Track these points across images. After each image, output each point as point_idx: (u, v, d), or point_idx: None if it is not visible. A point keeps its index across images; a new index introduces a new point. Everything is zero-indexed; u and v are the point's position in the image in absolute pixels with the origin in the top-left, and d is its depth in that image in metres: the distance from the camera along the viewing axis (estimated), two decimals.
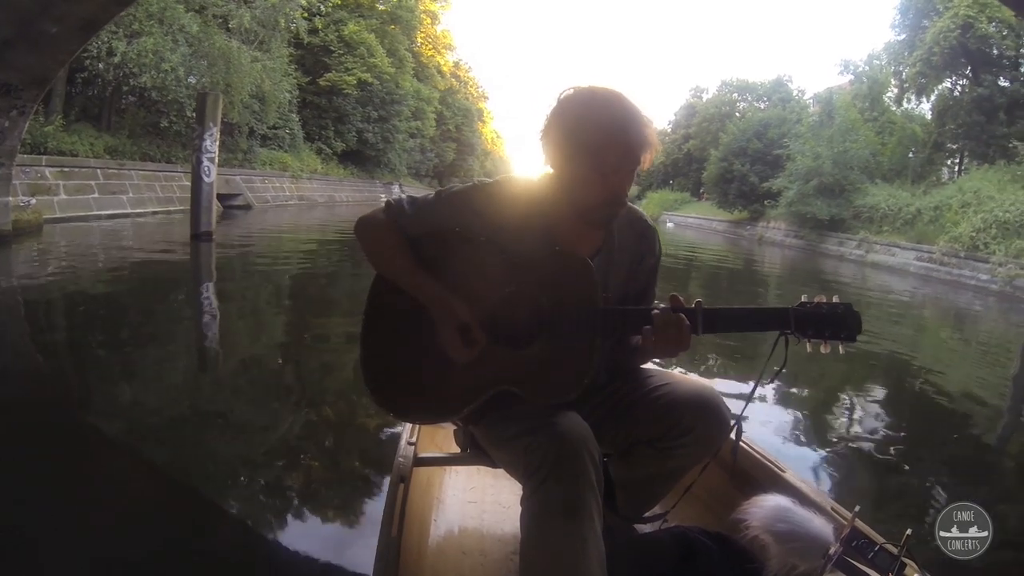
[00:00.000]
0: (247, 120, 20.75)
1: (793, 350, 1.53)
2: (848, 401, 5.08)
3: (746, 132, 38.01)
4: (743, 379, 5.02)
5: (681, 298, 1.52)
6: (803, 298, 1.52)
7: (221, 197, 15.38)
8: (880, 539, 1.50)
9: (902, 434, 4.49)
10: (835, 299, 1.51)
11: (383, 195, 35.77)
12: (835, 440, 4.18)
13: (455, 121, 53.96)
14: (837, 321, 1.48)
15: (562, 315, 1.55)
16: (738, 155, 37.21)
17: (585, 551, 1.38)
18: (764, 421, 4.11)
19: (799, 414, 4.47)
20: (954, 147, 28.25)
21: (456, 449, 2.01)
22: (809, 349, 1.51)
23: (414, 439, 2.15)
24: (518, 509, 1.48)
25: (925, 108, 30.39)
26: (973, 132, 26.03)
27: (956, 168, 28.01)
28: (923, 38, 27.70)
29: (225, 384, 4.59)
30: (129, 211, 14.36)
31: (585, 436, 1.48)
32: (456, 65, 60.20)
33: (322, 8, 28.41)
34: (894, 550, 1.46)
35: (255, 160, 22.77)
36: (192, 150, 11.62)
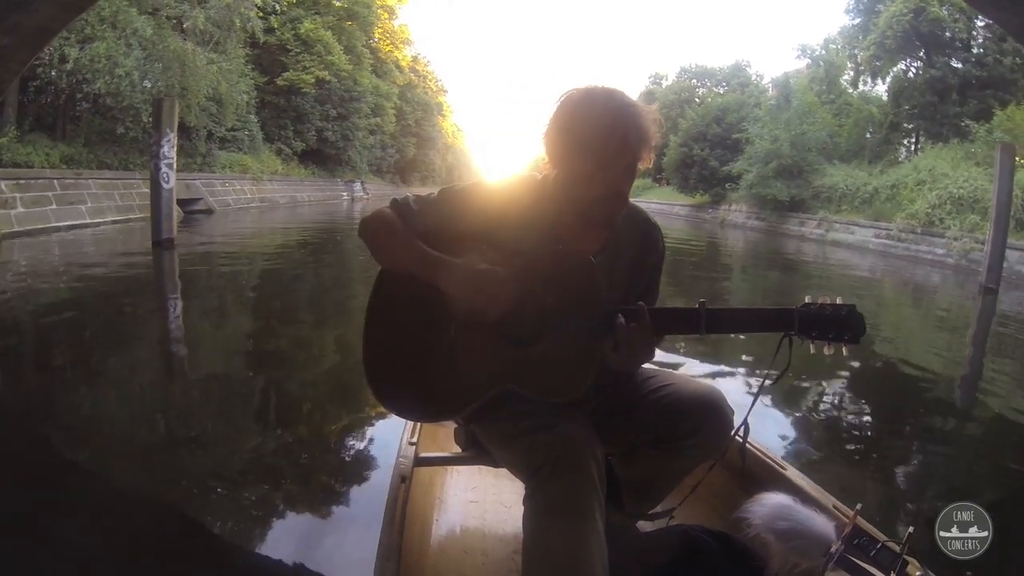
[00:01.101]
0: (205, 123, 20.37)
1: (796, 351, 1.53)
2: (849, 399, 5.05)
3: (705, 117, 38.41)
4: (747, 379, 5.01)
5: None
6: (807, 299, 1.52)
7: (181, 202, 15.17)
8: (882, 537, 1.51)
9: (904, 431, 4.48)
10: (839, 300, 1.51)
11: (345, 193, 35.62)
12: (837, 438, 4.18)
13: (415, 116, 53.73)
14: (841, 322, 1.48)
15: (566, 314, 1.54)
16: (698, 140, 37.62)
17: (588, 550, 1.38)
18: (765, 419, 4.07)
19: (800, 412, 4.46)
20: (910, 127, 29.01)
21: (457, 448, 2.01)
22: (813, 350, 1.51)
23: (415, 438, 2.14)
24: (520, 508, 1.47)
25: (881, 90, 31.12)
26: (927, 112, 26.89)
27: (912, 147, 28.64)
28: (877, 22, 28.63)
29: (218, 391, 4.52)
30: (88, 221, 14.07)
31: (588, 435, 1.50)
32: (414, 60, 59.82)
33: (277, 7, 27.92)
34: (896, 548, 1.46)
35: (214, 163, 22.38)
36: (150, 156, 11.41)
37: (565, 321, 1.54)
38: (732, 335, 5.08)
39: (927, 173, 21.40)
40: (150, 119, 12.63)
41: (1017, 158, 16.88)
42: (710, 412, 1.62)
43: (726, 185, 34.07)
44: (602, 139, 1.48)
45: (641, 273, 1.74)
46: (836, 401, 4.92)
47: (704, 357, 5.56)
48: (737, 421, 1.68)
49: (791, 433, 4.01)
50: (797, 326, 1.50)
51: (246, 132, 26.06)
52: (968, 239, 16.96)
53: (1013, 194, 14.62)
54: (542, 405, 1.56)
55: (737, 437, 1.69)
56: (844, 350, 1.49)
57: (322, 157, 34.73)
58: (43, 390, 4.41)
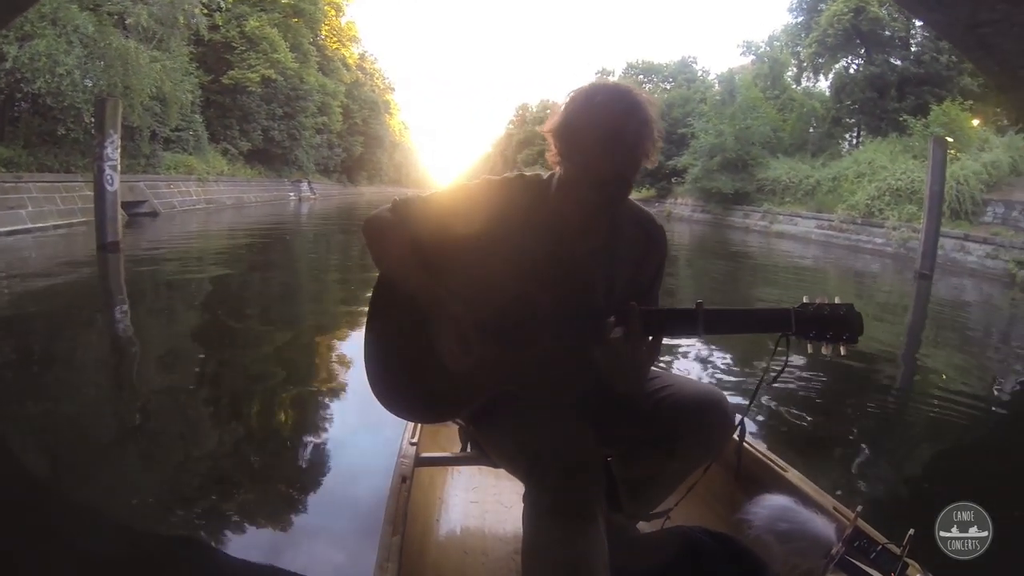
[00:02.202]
0: (148, 123, 19.80)
1: (795, 351, 1.53)
2: (850, 399, 5.03)
3: None
4: (745, 380, 5.01)
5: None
6: (804, 299, 1.51)
7: (125, 205, 14.79)
8: (882, 539, 1.52)
9: (906, 430, 4.47)
10: (836, 300, 1.50)
11: (292, 194, 35.04)
12: (837, 439, 4.19)
13: (362, 114, 53.21)
14: (839, 322, 1.47)
15: (563, 314, 1.55)
16: None
17: (587, 550, 1.39)
18: (766, 420, 4.12)
19: (801, 412, 4.45)
20: (851, 122, 30.05)
21: (458, 449, 2.05)
22: (810, 350, 1.51)
23: (416, 439, 2.14)
24: (520, 508, 1.47)
25: (824, 85, 32.15)
26: (867, 107, 28.00)
27: (854, 141, 29.62)
28: (819, 20, 29.75)
29: (186, 397, 4.44)
30: (30, 226, 13.65)
31: (587, 436, 1.49)
32: (362, 57, 59.34)
33: (222, 3, 27.38)
34: (896, 550, 1.48)
35: (159, 165, 21.81)
36: (93, 158, 11.17)
37: (562, 322, 1.55)
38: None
39: (867, 166, 22.31)
40: (92, 120, 12.35)
41: (952, 151, 17.73)
42: (710, 413, 1.62)
43: (672, 179, 34.58)
44: (609, 121, 1.49)
45: (643, 274, 1.73)
46: (838, 402, 4.92)
47: (703, 357, 5.59)
48: (736, 421, 1.69)
49: (792, 434, 4.02)
50: (794, 326, 1.49)
51: (191, 132, 25.49)
52: (906, 228, 17.67)
53: (947, 185, 15.38)
54: (541, 405, 1.57)
55: (735, 437, 1.71)
56: (842, 350, 1.48)
57: (268, 157, 34.17)
58: None
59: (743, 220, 27.60)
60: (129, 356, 5.49)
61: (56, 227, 14.34)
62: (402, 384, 1.69)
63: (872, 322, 8.08)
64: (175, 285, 9.08)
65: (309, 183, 38.19)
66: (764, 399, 4.32)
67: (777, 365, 1.54)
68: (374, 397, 1.70)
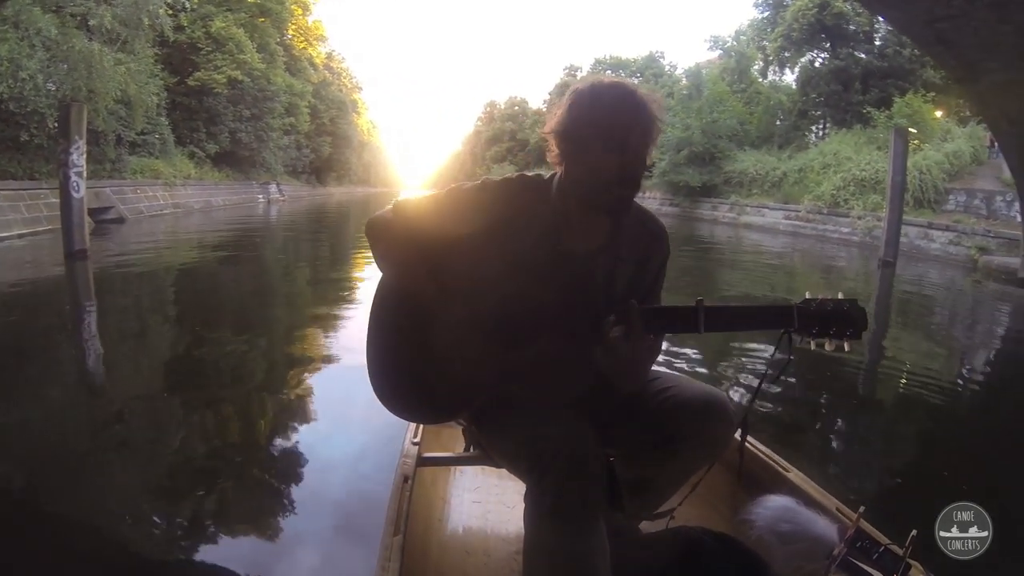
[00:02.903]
0: (113, 127, 19.48)
1: (797, 348, 1.50)
2: (852, 399, 5.02)
3: None
4: (747, 378, 4.99)
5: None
6: (807, 295, 1.48)
7: (92, 211, 14.54)
8: (885, 540, 1.52)
9: (907, 430, 4.43)
10: (840, 296, 1.48)
11: (260, 196, 34.65)
12: (840, 438, 4.21)
13: (329, 114, 52.87)
14: (842, 318, 1.45)
15: (564, 313, 1.54)
16: None
17: (589, 550, 1.39)
18: (768, 420, 4.03)
19: (803, 412, 4.45)
20: (817, 114, 30.66)
21: (460, 449, 2.05)
22: (813, 347, 1.48)
23: (418, 439, 2.14)
24: (522, 509, 1.47)
25: (790, 79, 32.83)
26: (832, 100, 28.72)
27: (820, 133, 30.22)
28: (784, 15, 30.32)
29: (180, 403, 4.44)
30: None
31: (589, 436, 1.48)
32: (329, 56, 58.87)
33: (187, 3, 26.81)
34: (899, 551, 1.47)
35: (125, 169, 21.44)
36: (58, 165, 10.95)
37: (563, 321, 1.55)
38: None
39: (832, 157, 22.83)
40: (56, 125, 12.16)
41: (915, 142, 18.19)
42: (712, 414, 1.61)
43: None
44: (614, 120, 1.49)
45: (645, 274, 1.71)
46: (840, 402, 4.91)
47: (704, 355, 5.59)
48: (738, 422, 1.69)
49: (795, 434, 3.99)
50: (797, 323, 1.46)
51: (157, 135, 25.07)
52: (871, 218, 18.10)
53: (910, 175, 15.83)
54: (543, 405, 1.57)
55: (737, 437, 1.71)
56: (846, 346, 1.45)
57: (236, 159, 33.72)
58: None
59: (711, 212, 27.98)
60: (101, 365, 5.43)
61: (21, 236, 14.09)
62: (404, 384, 1.68)
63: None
64: (146, 292, 8.98)
65: (278, 185, 37.84)
66: (766, 399, 4.32)
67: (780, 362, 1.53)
68: (376, 397, 1.70)
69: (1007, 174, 12.91)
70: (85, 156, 10.95)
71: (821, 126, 30.95)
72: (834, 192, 21.06)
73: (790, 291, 10.63)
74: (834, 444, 4.07)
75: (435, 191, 1.73)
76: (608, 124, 1.49)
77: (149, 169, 23.63)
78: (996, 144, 15.34)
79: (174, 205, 24.14)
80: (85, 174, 10.89)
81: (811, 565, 1.53)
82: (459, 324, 1.61)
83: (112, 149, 20.33)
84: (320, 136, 51.10)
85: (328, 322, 6.72)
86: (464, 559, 1.97)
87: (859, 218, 19.28)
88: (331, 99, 53.71)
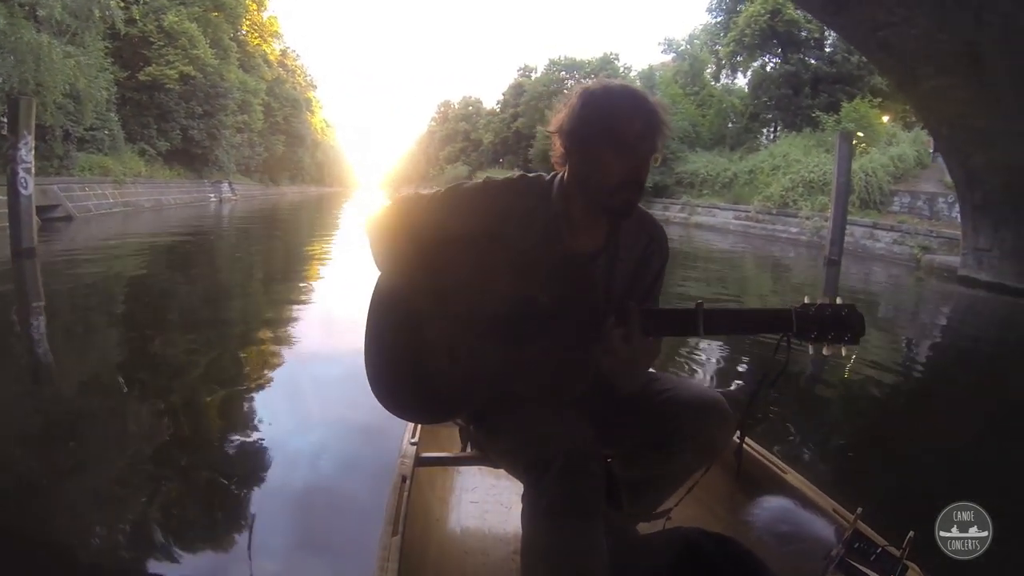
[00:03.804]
0: (61, 122, 18.95)
1: (796, 352, 1.51)
2: (851, 400, 5.04)
3: None
4: (745, 380, 5.00)
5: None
6: (805, 299, 1.49)
7: (38, 209, 13.95)
8: (882, 541, 1.53)
9: (905, 430, 4.44)
10: (838, 300, 1.49)
11: (212, 195, 33.80)
12: (838, 440, 4.22)
13: (283, 112, 52.06)
14: (840, 323, 1.46)
15: (563, 314, 1.54)
16: None
17: (586, 551, 1.40)
18: (766, 422, 4.03)
19: (801, 413, 4.44)
20: (768, 117, 31.44)
21: (458, 449, 2.05)
22: (811, 352, 1.49)
23: (416, 439, 2.13)
24: (520, 509, 1.48)
25: (743, 83, 33.58)
26: (783, 104, 29.63)
27: (772, 136, 31.01)
28: (737, 21, 31.07)
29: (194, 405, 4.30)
30: None
31: (586, 436, 1.48)
32: (283, 53, 58.07)
33: None
34: (896, 552, 1.48)
35: (73, 166, 20.79)
36: (5, 161, 10.69)
37: (562, 322, 1.54)
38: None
39: (782, 159, 23.55)
40: (2, 119, 11.86)
41: (862, 145, 18.85)
42: (709, 415, 1.61)
43: None
44: (626, 122, 1.50)
45: (644, 276, 1.71)
46: (838, 403, 4.94)
47: (702, 358, 5.66)
48: (736, 424, 1.70)
49: (792, 436, 3.99)
50: (795, 327, 1.47)
51: (106, 132, 24.40)
52: (818, 218, 18.72)
53: (857, 177, 16.50)
54: (542, 406, 1.56)
55: (735, 439, 1.72)
56: (843, 351, 1.47)
57: (188, 157, 32.86)
58: None
59: (663, 212, 28.38)
60: (50, 365, 5.32)
61: None
62: (402, 384, 1.66)
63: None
64: (96, 292, 8.69)
65: (230, 184, 37.07)
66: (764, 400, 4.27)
67: (778, 366, 1.53)
68: (375, 397, 1.68)
69: (949, 177, 13.48)
70: (33, 152, 10.69)
71: (772, 129, 31.74)
72: (783, 193, 21.75)
73: (743, 290, 10.97)
74: (858, 457, 3.96)
75: (436, 189, 1.71)
76: (621, 126, 1.50)
77: (98, 166, 22.99)
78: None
79: (124, 204, 23.45)
80: (33, 171, 10.64)
81: (808, 566, 1.54)
82: (458, 323, 1.59)
83: (60, 145, 19.79)
84: (274, 134, 50.22)
85: (281, 325, 6.64)
86: (462, 559, 1.99)
87: (807, 218, 19.91)
88: (285, 97, 52.92)
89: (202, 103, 32.39)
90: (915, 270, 14.60)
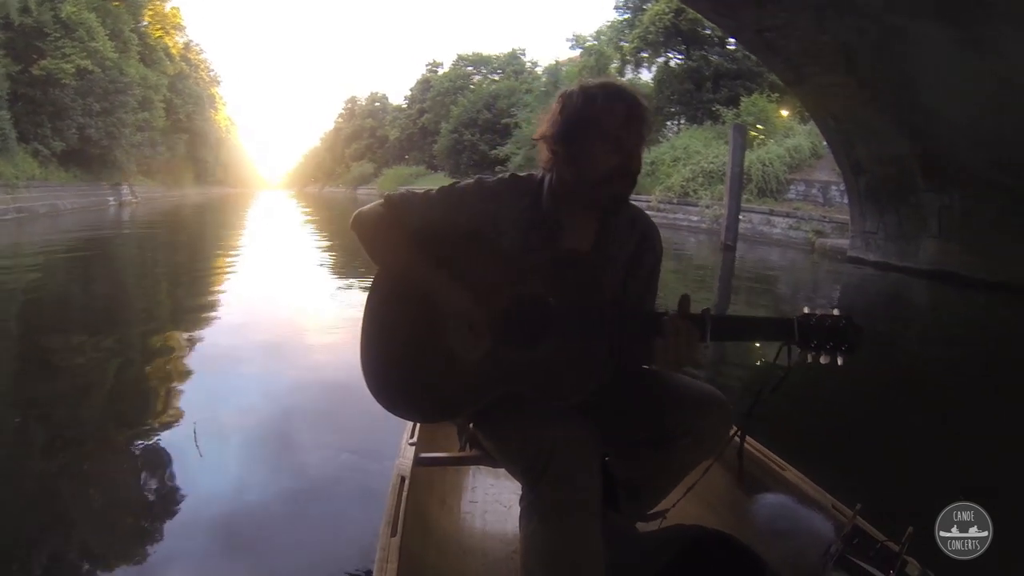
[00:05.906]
0: None
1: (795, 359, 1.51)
2: (850, 399, 4.94)
3: (476, 103, 40.02)
4: (747, 382, 4.99)
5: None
6: (805, 309, 1.50)
7: None
8: (881, 537, 1.53)
9: (906, 431, 4.41)
10: (835, 312, 1.49)
11: (111, 198, 32.23)
12: (837, 438, 4.18)
13: (186, 110, 50.06)
14: (839, 334, 1.46)
15: (568, 314, 1.54)
16: (468, 126, 39.17)
17: (584, 549, 1.41)
18: (764, 419, 3.92)
19: (801, 411, 4.37)
20: (672, 111, 32.47)
21: (457, 449, 2.03)
22: (809, 360, 1.49)
23: (414, 439, 2.13)
24: (519, 508, 1.49)
25: (647, 78, 34.62)
26: (686, 99, 31.12)
27: (677, 129, 32.18)
28: (642, 18, 32.10)
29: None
30: None
31: (585, 435, 1.49)
32: (186, 47, 55.71)
33: None
34: (895, 548, 1.48)
35: None
36: None
37: (568, 322, 1.54)
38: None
39: (683, 151, 24.78)
40: None
41: (761, 137, 19.92)
42: (707, 409, 1.63)
43: (495, 168, 35.64)
44: (607, 112, 1.52)
45: (637, 274, 1.72)
46: (837, 401, 4.87)
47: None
48: (736, 422, 1.72)
49: (791, 433, 3.80)
50: (797, 336, 1.48)
51: None
52: (717, 206, 19.75)
53: (755, 167, 17.58)
54: (540, 405, 1.55)
55: (736, 439, 1.73)
56: (839, 360, 1.47)
57: (85, 158, 30.73)
58: None
59: None
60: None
61: None
62: (402, 383, 1.65)
63: (694, 290, 8.88)
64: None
65: (130, 186, 35.46)
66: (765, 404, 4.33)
67: (779, 374, 1.54)
68: (373, 397, 1.68)
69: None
70: None
71: (676, 123, 32.78)
72: (683, 183, 22.82)
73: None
74: (857, 455, 3.93)
75: (431, 189, 1.69)
76: (603, 116, 1.52)
77: None
78: None
79: (17, 209, 21.74)
80: None
81: (808, 562, 1.55)
82: (456, 322, 1.59)
83: None
84: (176, 133, 48.23)
85: (192, 331, 6.38)
86: (461, 559, 1.99)
87: (707, 207, 20.96)
88: (188, 93, 50.98)
89: (100, 99, 30.29)
90: (810, 253, 15.77)
